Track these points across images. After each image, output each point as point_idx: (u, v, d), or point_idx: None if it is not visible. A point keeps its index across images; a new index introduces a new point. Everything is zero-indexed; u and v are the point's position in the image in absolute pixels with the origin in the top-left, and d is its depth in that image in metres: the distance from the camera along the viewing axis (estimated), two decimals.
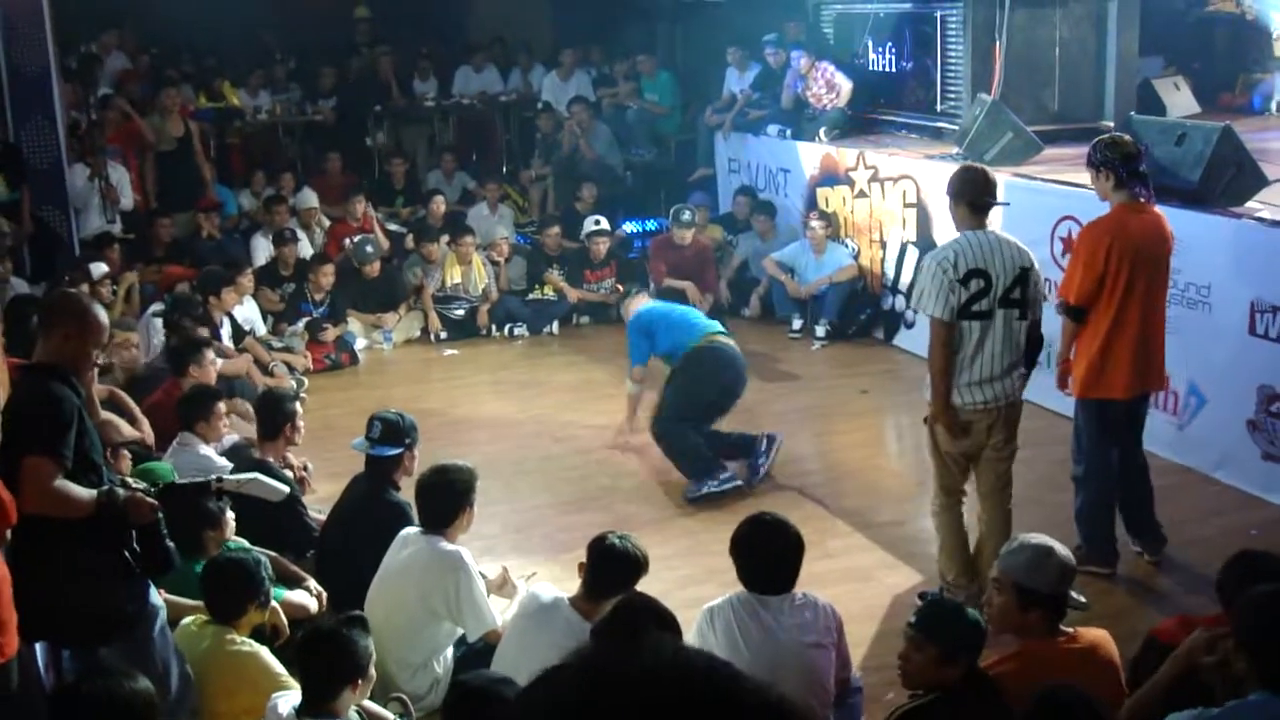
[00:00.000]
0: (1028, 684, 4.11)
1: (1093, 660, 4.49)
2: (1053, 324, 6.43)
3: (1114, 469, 6.51)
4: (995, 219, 9.27)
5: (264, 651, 4.89)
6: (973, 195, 5.98)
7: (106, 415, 6.33)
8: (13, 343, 6.04)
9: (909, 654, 4.33)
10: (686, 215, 11.81)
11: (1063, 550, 4.58)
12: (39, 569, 4.40)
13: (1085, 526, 6.52)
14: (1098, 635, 4.63)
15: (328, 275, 11.06)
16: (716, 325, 8.38)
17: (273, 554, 5.68)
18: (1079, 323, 6.25)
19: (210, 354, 7.95)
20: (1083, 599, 5.96)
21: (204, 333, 8.72)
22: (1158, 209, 6.37)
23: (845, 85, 11.99)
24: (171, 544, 4.70)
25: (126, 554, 4.54)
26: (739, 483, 7.74)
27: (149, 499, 4.55)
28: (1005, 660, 4.51)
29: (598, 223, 12.11)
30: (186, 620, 5.06)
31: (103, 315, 4.74)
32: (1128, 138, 6.47)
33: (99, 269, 9.96)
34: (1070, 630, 4.60)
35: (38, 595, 4.34)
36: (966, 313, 5.78)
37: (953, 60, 11.13)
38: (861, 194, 11.28)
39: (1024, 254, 5.91)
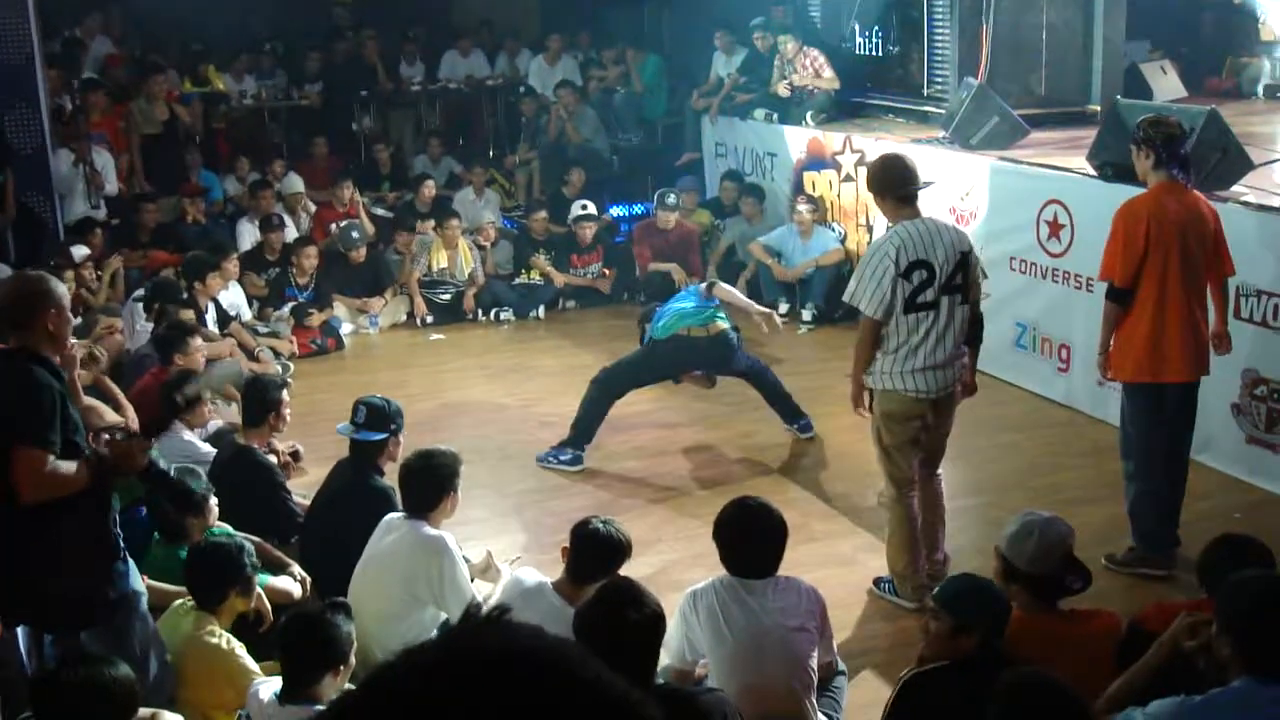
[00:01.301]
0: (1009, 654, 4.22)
1: (1083, 642, 4.51)
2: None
3: (1162, 457, 6.36)
4: (979, 205, 9.33)
5: (238, 649, 4.84)
6: (897, 187, 5.87)
7: (90, 401, 6.31)
8: None
9: (928, 624, 4.45)
10: (671, 199, 11.81)
11: (1053, 535, 4.59)
12: (20, 553, 4.39)
13: (1141, 523, 6.38)
14: (1101, 619, 4.65)
15: (311, 257, 11.04)
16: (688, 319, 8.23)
17: (256, 539, 5.66)
18: (1123, 306, 6.13)
19: (196, 340, 7.93)
20: (1077, 584, 5.96)
21: (188, 317, 8.70)
22: (1196, 192, 6.31)
23: (829, 79, 11.98)
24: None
25: (116, 532, 4.54)
26: (580, 467, 7.92)
27: (131, 441, 4.55)
28: None
29: (584, 207, 12.09)
30: (177, 603, 5.05)
31: (65, 289, 4.72)
32: (1173, 119, 6.37)
33: (80, 252, 9.93)
34: (1067, 610, 4.64)
35: (18, 579, 4.33)
36: (912, 305, 5.72)
37: (939, 44, 11.13)
38: (848, 178, 11.28)
39: (963, 238, 5.87)
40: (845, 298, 6.03)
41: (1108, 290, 6.23)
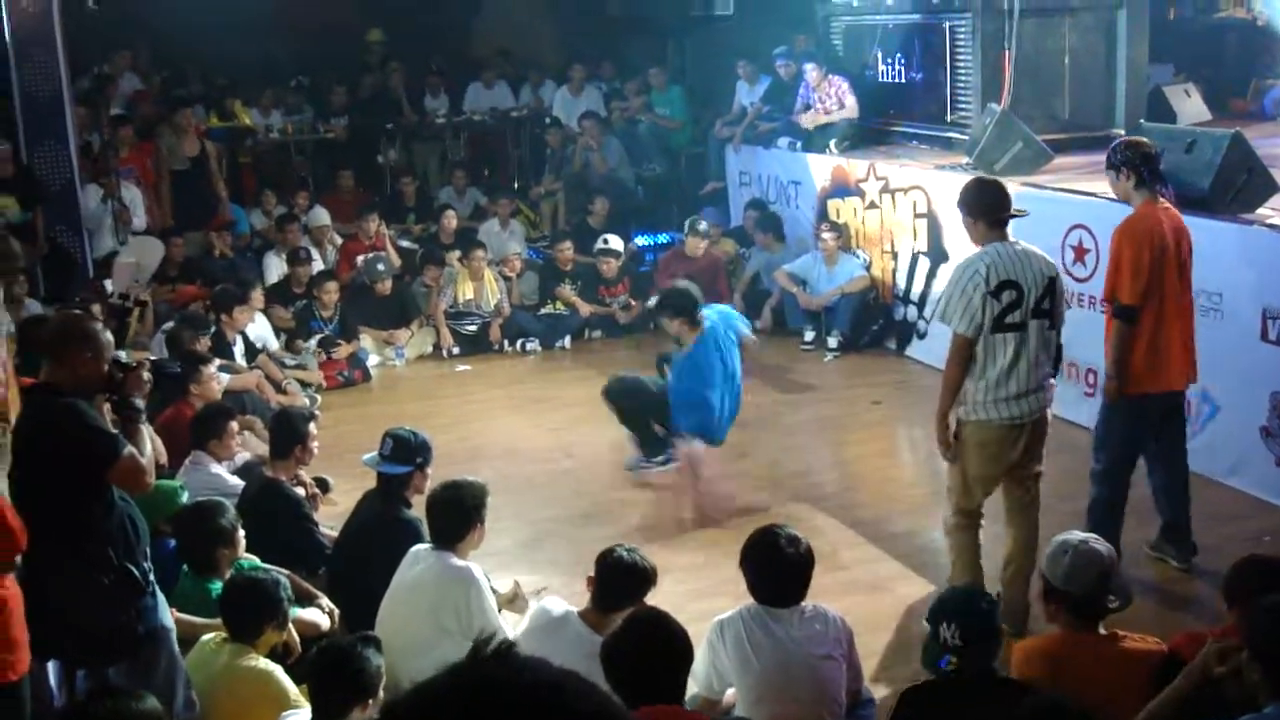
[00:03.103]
0: (1047, 674, 4.35)
1: (1121, 665, 4.49)
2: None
3: (1132, 469, 6.49)
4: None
5: (279, 671, 4.88)
6: (992, 212, 5.89)
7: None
8: (27, 363, 6.08)
9: (928, 639, 4.45)
10: (702, 225, 11.89)
11: (1087, 552, 4.59)
12: (49, 588, 4.42)
13: (1093, 522, 6.37)
14: (1141, 643, 4.62)
15: (331, 292, 11.07)
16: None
17: (285, 571, 5.67)
18: (1132, 323, 6.19)
19: (209, 370, 7.94)
20: (1115, 602, 5.92)
21: (204, 346, 8.71)
22: (1173, 209, 6.40)
23: (849, 108, 12.02)
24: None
25: (135, 571, 4.57)
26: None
27: (132, 371, 4.83)
28: (1035, 647, 4.65)
29: (605, 241, 12.12)
30: (206, 637, 5.05)
31: (106, 331, 4.84)
32: (1146, 139, 6.51)
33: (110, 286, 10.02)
34: (1105, 631, 4.63)
35: (48, 614, 4.36)
36: (1000, 325, 5.70)
37: (962, 70, 11.15)
38: (872, 205, 11.29)
39: (1049, 264, 5.88)
40: (936, 316, 6.02)
41: (1116, 309, 6.25)
